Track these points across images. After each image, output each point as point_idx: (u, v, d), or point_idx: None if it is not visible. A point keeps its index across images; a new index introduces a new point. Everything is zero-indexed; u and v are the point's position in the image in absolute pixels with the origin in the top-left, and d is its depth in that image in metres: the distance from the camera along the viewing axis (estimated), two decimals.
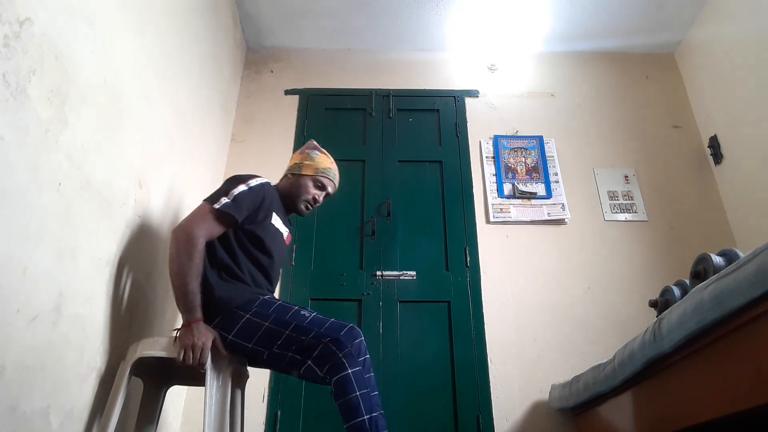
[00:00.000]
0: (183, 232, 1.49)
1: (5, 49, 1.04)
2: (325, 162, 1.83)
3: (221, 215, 1.55)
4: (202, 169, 2.45)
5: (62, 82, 1.24)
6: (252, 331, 1.46)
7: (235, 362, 1.54)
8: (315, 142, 1.92)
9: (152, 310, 1.82)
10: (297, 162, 1.84)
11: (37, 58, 1.14)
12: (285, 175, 1.85)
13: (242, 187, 1.60)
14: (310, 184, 1.79)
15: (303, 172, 1.80)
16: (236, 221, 1.58)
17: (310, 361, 1.42)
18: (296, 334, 1.43)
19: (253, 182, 1.64)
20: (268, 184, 1.71)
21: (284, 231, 1.76)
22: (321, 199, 1.82)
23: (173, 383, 1.74)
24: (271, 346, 1.45)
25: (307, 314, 1.48)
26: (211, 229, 1.55)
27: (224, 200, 1.55)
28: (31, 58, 1.12)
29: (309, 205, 1.80)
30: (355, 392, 1.35)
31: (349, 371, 1.37)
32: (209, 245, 1.56)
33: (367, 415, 1.33)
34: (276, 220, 1.70)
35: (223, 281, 1.54)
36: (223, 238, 1.59)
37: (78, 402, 1.34)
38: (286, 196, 1.79)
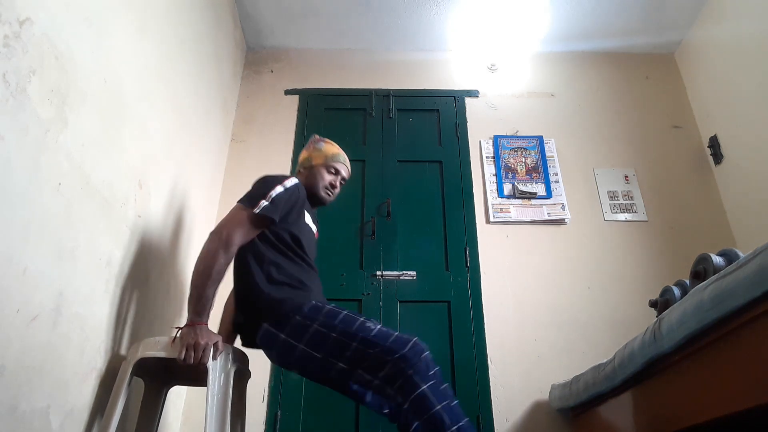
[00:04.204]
0: (224, 236, 1.50)
1: (5, 49, 1.04)
2: (333, 149, 1.88)
3: (260, 219, 1.56)
4: (202, 168, 2.45)
5: (62, 82, 1.24)
6: (321, 341, 1.43)
7: (237, 362, 1.54)
8: (318, 136, 1.96)
9: (152, 310, 1.82)
10: (306, 156, 1.89)
11: (37, 58, 1.14)
12: (297, 171, 1.89)
13: (279, 189, 1.61)
14: (324, 171, 1.83)
15: (314, 163, 1.84)
16: (273, 222, 1.59)
17: (377, 381, 1.38)
18: (363, 347, 1.39)
19: (288, 183, 1.65)
20: (300, 183, 1.72)
21: (314, 227, 1.79)
22: (337, 184, 1.86)
23: (174, 383, 1.74)
24: (340, 358, 1.41)
25: (372, 326, 1.44)
26: (248, 235, 1.56)
27: (263, 203, 1.56)
28: (31, 58, 1.12)
29: (329, 192, 1.83)
30: (436, 406, 1.29)
31: (424, 387, 1.32)
32: (255, 250, 1.57)
33: (454, 426, 1.28)
34: (308, 218, 1.74)
35: (275, 285, 1.53)
36: (268, 243, 1.60)
37: (78, 402, 1.34)
38: (307, 190, 1.80)
